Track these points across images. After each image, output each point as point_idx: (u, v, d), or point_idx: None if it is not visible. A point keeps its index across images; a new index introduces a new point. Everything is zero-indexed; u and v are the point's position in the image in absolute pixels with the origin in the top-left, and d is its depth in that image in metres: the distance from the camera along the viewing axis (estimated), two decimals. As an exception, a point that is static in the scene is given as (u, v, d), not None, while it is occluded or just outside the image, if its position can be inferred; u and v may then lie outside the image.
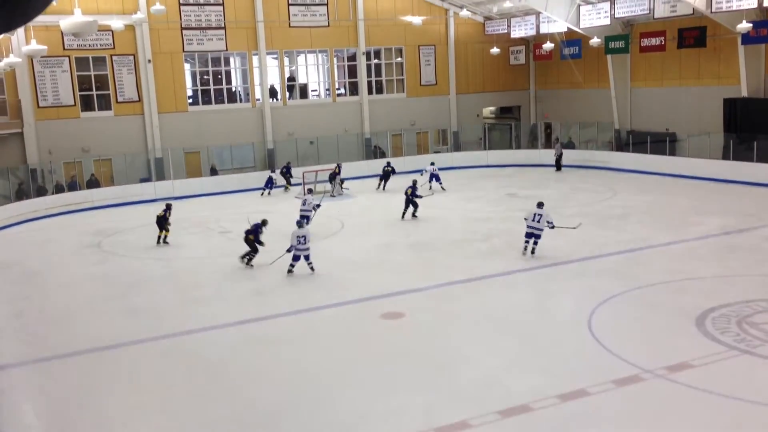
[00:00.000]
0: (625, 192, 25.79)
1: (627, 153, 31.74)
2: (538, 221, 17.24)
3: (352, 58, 35.43)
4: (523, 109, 39.52)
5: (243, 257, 17.90)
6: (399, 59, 36.43)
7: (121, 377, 11.52)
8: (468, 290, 15.16)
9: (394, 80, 36.49)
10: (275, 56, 33.89)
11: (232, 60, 33.37)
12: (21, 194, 27.45)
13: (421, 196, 22.85)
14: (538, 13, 33.91)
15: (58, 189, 28.44)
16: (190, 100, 32.59)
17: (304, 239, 16.51)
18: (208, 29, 31.69)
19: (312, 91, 35.65)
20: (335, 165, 29.26)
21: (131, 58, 30.69)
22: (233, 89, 33.96)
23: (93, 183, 29.22)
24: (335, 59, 35.28)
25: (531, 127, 38.64)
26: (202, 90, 32.82)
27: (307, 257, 16.67)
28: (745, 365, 10.62)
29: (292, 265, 16.62)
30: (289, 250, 16.60)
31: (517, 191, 27.14)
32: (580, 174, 30.87)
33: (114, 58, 30.43)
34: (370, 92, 35.65)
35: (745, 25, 25.11)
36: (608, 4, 30.62)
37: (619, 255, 17.25)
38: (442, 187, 27.85)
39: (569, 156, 32.86)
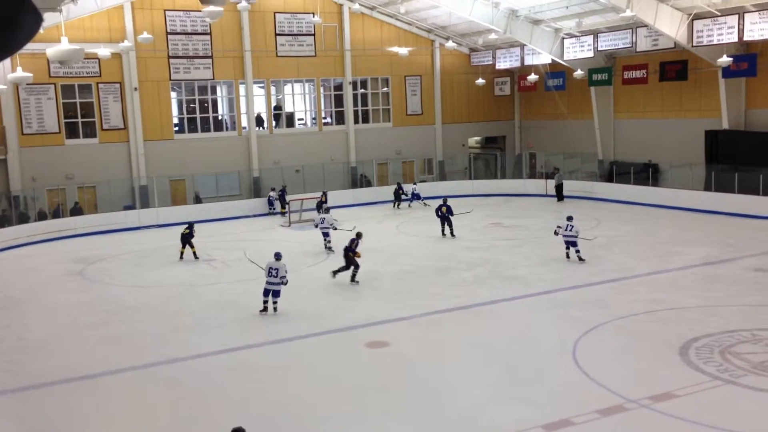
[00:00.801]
0: (608, 222, 25.98)
1: (610, 183, 32.03)
2: (571, 230, 19.79)
3: (339, 87, 35.69)
4: (508, 139, 39.87)
5: (335, 272, 18.47)
6: (385, 89, 36.73)
7: (101, 406, 11.35)
8: (452, 319, 15.14)
9: (381, 110, 36.76)
10: (262, 85, 34.08)
11: (218, 89, 33.51)
12: (3, 221, 27.22)
13: (451, 214, 24.34)
14: (522, 45, 34.37)
15: (41, 216, 28.24)
16: (176, 128, 32.62)
17: (276, 272, 15.58)
18: (195, 58, 31.85)
19: (298, 119, 35.82)
20: (321, 193, 29.31)
21: (117, 85, 30.74)
22: (219, 117, 34.06)
23: (77, 210, 29.05)
24: (322, 89, 35.52)
25: (516, 157, 38.95)
26: (188, 118, 32.88)
27: (275, 293, 15.66)
28: (729, 395, 10.64)
29: (265, 301, 15.77)
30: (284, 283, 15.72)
31: (502, 221, 27.26)
32: (564, 204, 31.07)
33: (100, 85, 30.48)
34: (356, 121, 35.87)
35: (725, 59, 25.57)
36: (591, 37, 31.11)
37: (602, 285, 17.31)
38: (425, 203, 29.00)
39: (552, 186, 33.08)
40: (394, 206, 31.37)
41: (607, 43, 30.77)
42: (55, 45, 16.96)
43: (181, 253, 22.33)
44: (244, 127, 33.55)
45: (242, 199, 32.39)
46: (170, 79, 31.71)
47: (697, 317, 14.36)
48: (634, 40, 29.60)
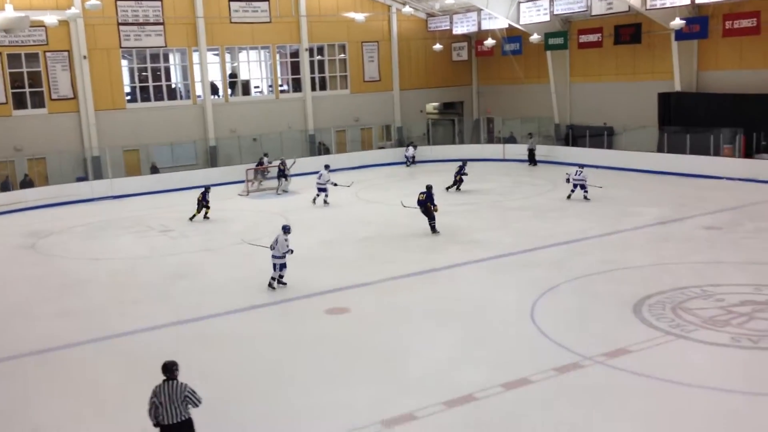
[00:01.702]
0: (564, 185, 26.23)
1: (567, 147, 32.35)
2: (580, 175, 23.27)
3: (295, 54, 35.18)
4: (465, 105, 39.90)
5: (434, 229, 19.36)
6: (342, 56, 36.34)
7: (55, 381, 11.16)
8: (412, 284, 15.21)
9: (338, 76, 36.38)
10: (216, 53, 33.39)
11: (171, 56, 32.73)
12: (-50, 195, 26.43)
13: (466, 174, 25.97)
14: (479, 10, 34.29)
15: (-10, 189, 27.46)
16: (128, 98, 31.84)
17: (284, 247, 14.99)
18: (145, 25, 31.02)
19: (254, 87, 35.27)
20: (279, 161, 28.91)
21: (66, 54, 29.82)
22: (173, 86, 33.33)
23: (27, 183, 28.30)
24: (278, 56, 34.98)
25: (474, 123, 39.04)
26: (140, 87, 32.11)
27: (280, 266, 15.09)
28: (680, 349, 10.94)
29: (272, 278, 15.23)
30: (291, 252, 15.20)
31: (460, 185, 27.33)
32: (521, 167, 31.34)
33: (48, 54, 29.52)
34: (313, 89, 35.47)
35: (678, 22, 25.88)
36: (547, 1, 31.16)
37: (559, 246, 17.56)
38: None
39: (511, 150, 33.34)
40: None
41: (562, 7, 30.86)
42: (0, 12, 16.35)
43: (193, 216, 23.04)
44: (199, 96, 32.92)
45: (199, 168, 31.91)
46: (121, 47, 30.85)
47: (651, 275, 14.68)
48: (589, 3, 29.75)
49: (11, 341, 12.93)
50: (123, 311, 14.39)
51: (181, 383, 8.05)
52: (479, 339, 11.89)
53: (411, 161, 33.78)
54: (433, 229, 19.45)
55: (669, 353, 10.83)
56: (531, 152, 32.19)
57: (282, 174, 28.20)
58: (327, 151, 34.92)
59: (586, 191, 23.25)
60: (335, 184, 25.05)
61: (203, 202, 23.17)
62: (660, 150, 28.44)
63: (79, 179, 29.55)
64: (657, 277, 14.47)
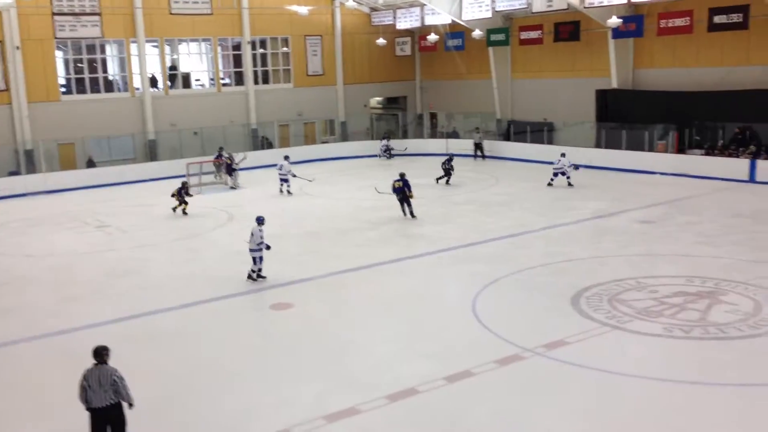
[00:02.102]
0: (507, 179, 26.73)
1: (508, 142, 32.86)
2: (558, 163, 24.54)
3: (237, 47, 34.77)
4: (409, 100, 40.13)
5: (413, 214, 20.31)
6: (285, 49, 36.07)
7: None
8: (358, 278, 15.27)
9: (281, 70, 36.11)
10: (155, 44, 32.73)
11: (108, 48, 31.94)
12: None
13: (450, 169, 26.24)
14: (422, 5, 34.50)
15: None
16: (63, 90, 30.96)
17: (259, 238, 14.78)
18: (81, 15, 30.17)
19: (195, 80, 34.71)
20: (227, 155, 28.40)
21: (-3, 44, 28.80)
22: (110, 78, 32.53)
23: (-44, 177, 27.29)
24: (219, 48, 34.49)
25: (417, 117, 39.29)
26: (76, 79, 31.24)
27: (258, 259, 14.92)
28: (616, 340, 11.29)
29: (252, 270, 15.10)
30: (268, 248, 15.01)
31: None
32: (465, 162, 31.65)
33: (-23, 44, 28.48)
34: (256, 82, 35.12)
35: (614, 20, 26.56)
36: (489, -3, 31.52)
37: (502, 240, 17.87)
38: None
39: (455, 145, 33.66)
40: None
41: (504, 3, 31.29)
42: None
43: (174, 208, 22.56)
44: (138, 88, 32.23)
45: (138, 162, 31.26)
46: (55, 38, 29.94)
47: (589, 268, 15.09)
48: (530, 1, 30.25)
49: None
50: (61, 309, 14.03)
51: (111, 368, 8.21)
52: (423, 333, 12.03)
53: (389, 154, 33.61)
54: (413, 214, 20.51)
55: (605, 344, 11.16)
56: (478, 146, 32.55)
57: (230, 168, 27.84)
58: (270, 146, 34.66)
59: (568, 177, 24.45)
60: (294, 175, 25.54)
61: (180, 197, 22.55)
62: (597, 145, 29.17)
63: (12, 173, 28.63)
64: (595, 270, 14.87)
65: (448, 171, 26.30)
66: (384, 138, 34.48)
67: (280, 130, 35.59)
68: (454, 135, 35.44)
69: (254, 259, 15.00)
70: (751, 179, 23.84)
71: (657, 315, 12.08)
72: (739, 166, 24.31)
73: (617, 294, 13.22)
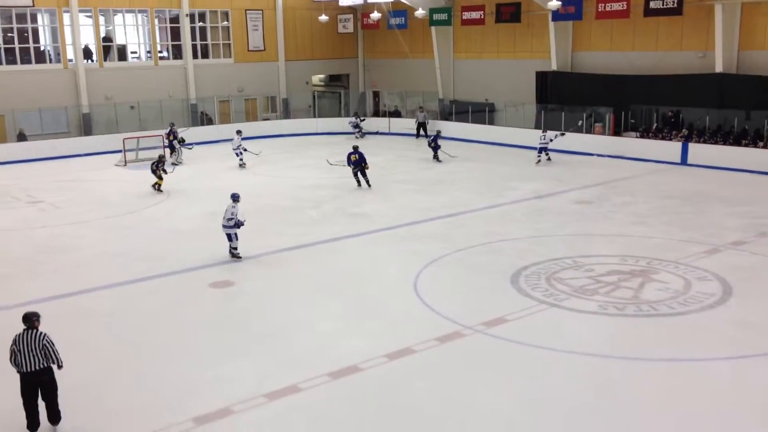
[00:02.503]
0: (448, 160, 26.90)
1: (450, 122, 33.05)
2: (543, 139, 25.30)
3: (175, 19, 33.86)
4: (351, 78, 39.88)
5: (369, 183, 21.53)
6: (225, 23, 35.33)
7: None
8: (298, 257, 15.19)
9: (221, 44, 35.38)
10: (89, 14, 31.60)
11: (39, 17, 30.69)
12: None
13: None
14: (365, -18, 34.20)
15: None
16: (-8, 59, 29.66)
17: (229, 214, 14.51)
18: (10, -19, 28.87)
19: (132, 53, 33.71)
20: (170, 130, 27.70)
21: None
22: (42, 48, 31.30)
23: None
24: (156, 20, 33.53)
25: (360, 96, 39.12)
26: (5, 48, 29.94)
27: (229, 237, 14.70)
28: (554, 317, 11.56)
29: (232, 248, 14.84)
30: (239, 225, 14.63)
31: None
32: (406, 142, 31.76)
33: None
34: (195, 56, 34.34)
35: (554, 3, 26.90)
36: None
37: (442, 219, 18.03)
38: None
39: (396, 124, 33.69)
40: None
41: (447, -17, 31.31)
42: None
43: (155, 185, 21.81)
44: (71, 60, 31.13)
45: (71, 137, 30.27)
46: (-18, 5, 28.63)
47: (527, 247, 15.37)
48: (472, -19, 30.33)
49: None
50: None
51: (41, 333, 8.37)
52: (364, 311, 12.08)
53: (360, 132, 32.81)
54: (368, 183, 21.85)
55: (543, 321, 11.42)
56: (421, 125, 32.59)
57: (172, 145, 27.22)
58: (210, 122, 34.04)
59: (548, 154, 25.47)
60: (245, 149, 25.94)
61: (158, 173, 21.76)
62: (537, 127, 29.62)
63: (-64, 146, 27.37)
64: (533, 249, 15.16)
65: (435, 148, 26.55)
66: (354, 116, 34.03)
67: (221, 105, 34.96)
68: (396, 114, 35.46)
69: (228, 236, 14.72)
70: (683, 162, 24.63)
71: (592, 293, 12.41)
72: (671, 148, 25.07)
73: (555, 273, 13.52)
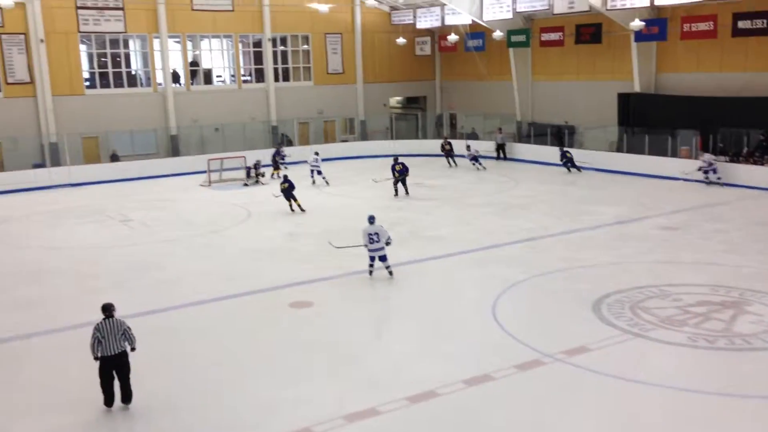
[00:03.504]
0: (526, 182, 26.61)
1: (528, 144, 32.71)
2: (704, 163, 24.90)
3: (258, 44, 34.88)
4: (429, 100, 40.06)
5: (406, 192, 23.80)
6: (305, 47, 36.14)
7: (11, 372, 10.95)
8: (375, 279, 15.24)
9: (301, 68, 36.19)
10: (178, 40, 32.91)
11: (131, 42, 32.15)
12: None
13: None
14: (443, 5, 34.41)
15: (-58, 174, 26.70)
16: (87, 83, 31.24)
17: (377, 237, 14.70)
18: (105, 9, 30.40)
19: (217, 76, 34.88)
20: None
21: (22, 37, 29.09)
22: (133, 73, 32.76)
23: (-20, 168, 27.59)
24: (240, 45, 34.61)
25: (436, 118, 39.22)
26: (100, 73, 31.50)
27: (382, 258, 14.83)
28: (639, 348, 11.19)
29: (370, 266, 15.03)
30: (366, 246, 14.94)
31: (423, 180, 27.49)
32: (485, 163, 31.54)
33: (3, 36, 28.77)
34: (276, 79, 35.23)
35: (637, 23, 26.36)
36: (510, -2, 31.41)
37: (520, 243, 17.79)
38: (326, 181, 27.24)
39: (473, 146, 33.49)
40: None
41: (525, 4, 31.14)
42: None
43: (290, 205, 22.24)
44: (160, 84, 32.44)
45: (160, 157, 31.46)
46: (79, 32, 30.21)
47: (610, 274, 14.98)
48: (551, 2, 30.06)
49: (-36, 333, 12.62)
50: (83, 301, 14.13)
51: (119, 320, 9.62)
52: (441, 335, 12.00)
53: (478, 162, 30.14)
54: (407, 191, 24.09)
55: (627, 352, 11.08)
56: (500, 147, 32.48)
57: (249, 173, 27.99)
58: (290, 143, 34.73)
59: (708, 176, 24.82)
60: (319, 172, 27.13)
61: (290, 193, 22.16)
62: (619, 150, 28.96)
63: (36, 166, 28.90)
64: (616, 276, 14.76)
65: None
66: (467, 148, 30.94)
67: (300, 127, 35.67)
68: (473, 136, 35.33)
69: (383, 257, 14.81)
70: (777, 187, 23.56)
71: (681, 324, 11.97)
72: (764, 173, 24.02)
73: (639, 301, 13.12)
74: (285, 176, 23.16)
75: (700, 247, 17.09)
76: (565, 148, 29.18)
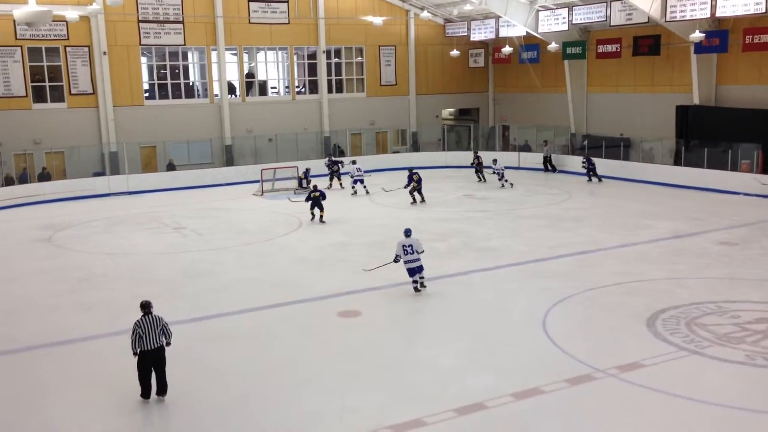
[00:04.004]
0: (579, 195, 26.22)
1: (581, 157, 32.20)
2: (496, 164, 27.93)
3: (313, 56, 35.32)
4: (481, 112, 39.92)
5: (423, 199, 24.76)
6: (359, 59, 36.44)
7: (71, 374, 11.26)
8: (425, 289, 15.20)
9: (354, 79, 36.50)
10: (234, 52, 33.58)
11: (190, 55, 32.95)
12: (-31, 186, 26.66)
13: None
14: (497, 17, 34.29)
15: (8, 181, 27.71)
16: (147, 94, 32.10)
17: (411, 248, 14.68)
18: (165, 23, 31.24)
19: (271, 88, 35.44)
20: (305, 169, 29.08)
21: (86, 49, 30.09)
22: (191, 84, 33.54)
23: (44, 176, 28.54)
24: (295, 57, 35.11)
25: (489, 130, 39.03)
26: (158, 84, 32.35)
27: (420, 269, 14.70)
28: (694, 365, 10.88)
29: (414, 281, 14.83)
30: (395, 260, 14.94)
31: (474, 192, 27.37)
32: (536, 177, 31.27)
33: (68, 49, 29.81)
34: (330, 91, 35.59)
35: (697, 35, 25.80)
36: (566, 10, 31.11)
37: (572, 257, 17.51)
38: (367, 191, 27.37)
39: (526, 159, 33.27)
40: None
41: (581, 16, 30.80)
42: (22, 6, 16.51)
43: (312, 215, 22.42)
44: (216, 95, 33.12)
45: (215, 167, 32.08)
46: (140, 44, 31.10)
47: (665, 289, 14.61)
48: (608, 14, 29.67)
49: (29, 333, 13.05)
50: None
51: (158, 315, 10.16)
52: (490, 347, 11.88)
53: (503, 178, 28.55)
54: (423, 199, 25.29)
55: (683, 369, 10.78)
56: (547, 160, 32.20)
57: (301, 183, 28.33)
58: (342, 154, 35.00)
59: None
60: (361, 181, 27.26)
61: (319, 202, 22.19)
62: (677, 163, 28.31)
63: (96, 174, 29.77)
64: (671, 291, 14.40)
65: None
66: (493, 163, 29.27)
67: (352, 138, 35.94)
68: (526, 148, 35.03)
69: (419, 268, 14.70)
70: (842, 203, 22.69)
71: (738, 341, 11.59)
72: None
73: (696, 318, 12.76)
74: (315, 186, 23.30)
75: (760, 263, 16.54)
76: (588, 157, 29.37)
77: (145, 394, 10.00)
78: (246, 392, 10.34)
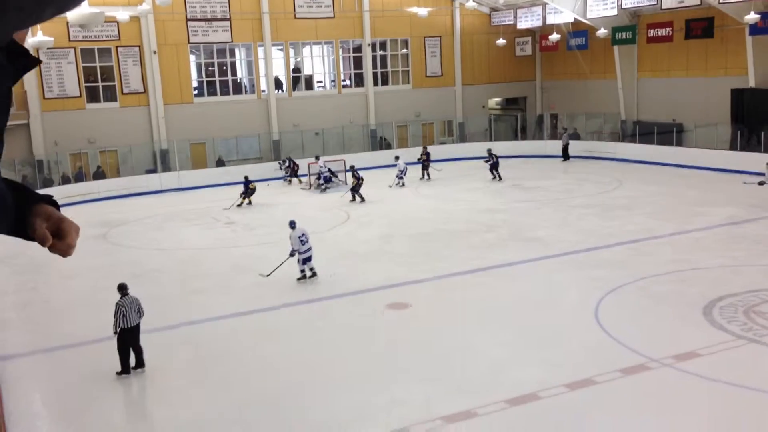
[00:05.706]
0: (630, 182, 25.70)
1: (633, 144, 31.60)
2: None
3: (358, 49, 35.35)
4: (529, 100, 39.40)
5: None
6: (404, 50, 36.33)
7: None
8: (473, 280, 15.12)
9: (400, 71, 36.40)
10: (280, 48, 33.84)
11: (237, 51, 33.32)
12: (27, 185, 27.43)
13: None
14: (544, 4, 33.75)
15: (64, 180, 28.49)
16: (196, 92, 32.58)
17: (305, 237, 15.25)
18: (213, 21, 31.64)
19: (317, 82, 35.59)
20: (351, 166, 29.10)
21: (137, 49, 30.68)
22: (238, 80, 33.91)
23: (99, 174, 29.26)
24: (340, 51, 35.20)
25: (537, 118, 38.52)
26: (207, 81, 32.81)
27: (309, 259, 15.32)
28: (753, 354, 10.58)
29: (303, 270, 15.43)
30: (291, 255, 15.30)
31: (522, 182, 27.07)
32: (585, 165, 30.77)
33: (119, 49, 30.43)
34: (375, 84, 35.58)
35: (752, 16, 24.98)
36: (615, -6, 30.48)
37: (624, 245, 17.18)
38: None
39: (576, 147, 32.75)
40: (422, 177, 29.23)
41: (631, 0, 30.11)
42: (76, 8, 16.90)
43: (353, 197, 24.24)
44: (263, 90, 33.43)
45: (263, 162, 32.43)
46: (189, 42, 31.57)
47: (721, 277, 14.24)
48: (659, -3, 28.96)
49: (84, 327, 13.39)
50: (188, 301, 14.75)
51: (134, 296, 11.01)
52: (541, 338, 11.74)
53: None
54: (429, 176, 28.52)
55: (740, 357, 10.49)
56: (565, 148, 31.73)
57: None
58: (388, 146, 35.00)
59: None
60: (403, 177, 27.27)
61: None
62: (732, 148, 27.50)
63: (149, 171, 30.38)
64: (728, 279, 14.02)
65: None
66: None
67: (398, 130, 35.87)
68: (575, 136, 34.45)
69: (310, 257, 15.32)
70: None
71: (799, 329, 11.24)
72: None
73: (754, 305, 12.39)
74: (360, 177, 24.64)
75: (822, 249, 15.98)
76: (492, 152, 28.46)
77: (126, 370, 10.77)
78: (294, 385, 10.42)
